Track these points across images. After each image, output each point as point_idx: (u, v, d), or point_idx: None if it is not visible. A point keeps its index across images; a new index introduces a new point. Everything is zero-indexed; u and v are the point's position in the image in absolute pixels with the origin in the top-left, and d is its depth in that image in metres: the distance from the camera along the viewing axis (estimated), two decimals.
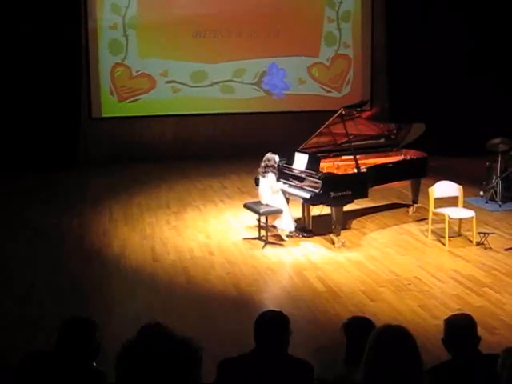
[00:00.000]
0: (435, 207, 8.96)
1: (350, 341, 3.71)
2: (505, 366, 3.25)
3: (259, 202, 9.00)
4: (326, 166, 9.37)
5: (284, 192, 9.01)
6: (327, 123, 9.34)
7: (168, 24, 14.54)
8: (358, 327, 3.72)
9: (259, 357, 3.56)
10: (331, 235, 8.91)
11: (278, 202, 8.87)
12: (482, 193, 11.04)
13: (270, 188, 8.86)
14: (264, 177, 8.90)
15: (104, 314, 6.48)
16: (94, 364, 3.75)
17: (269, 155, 8.96)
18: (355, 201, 9.08)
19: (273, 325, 3.62)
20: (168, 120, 14.86)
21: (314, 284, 7.51)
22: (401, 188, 10.92)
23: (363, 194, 9.00)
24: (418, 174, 10.07)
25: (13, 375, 3.59)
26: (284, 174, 9.19)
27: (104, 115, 14.56)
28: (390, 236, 9.26)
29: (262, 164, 8.93)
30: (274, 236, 9.05)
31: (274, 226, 9.00)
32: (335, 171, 9.33)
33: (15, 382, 3.56)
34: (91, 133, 14.37)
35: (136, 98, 14.71)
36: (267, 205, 8.88)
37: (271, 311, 3.85)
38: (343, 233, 9.01)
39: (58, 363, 3.57)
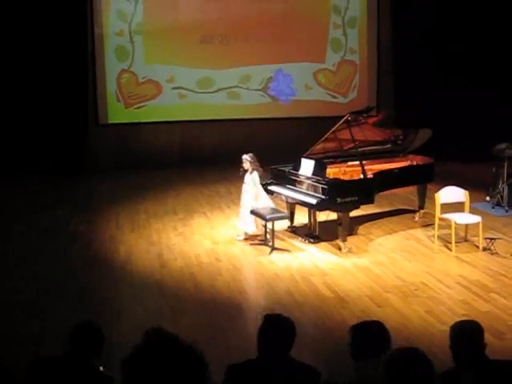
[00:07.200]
0: (441, 213, 8.94)
1: (355, 340, 3.69)
2: None
3: (267, 208, 9.03)
4: (332, 171, 9.37)
5: (287, 197, 9.12)
6: (333, 129, 9.34)
7: (174, 30, 14.59)
8: (367, 329, 3.71)
9: (267, 362, 3.56)
10: (338, 241, 8.91)
11: (262, 200, 9.14)
12: (488, 198, 11.01)
13: (254, 184, 9.10)
14: (251, 173, 9.12)
15: (111, 320, 6.50)
16: (102, 369, 3.76)
17: (246, 156, 9.20)
18: (361, 206, 9.08)
19: (279, 329, 3.62)
20: (174, 126, 14.88)
21: (321, 290, 7.51)
22: (407, 194, 10.91)
23: (369, 200, 8.99)
24: (424, 179, 10.07)
25: (19, 383, 3.58)
26: (290, 179, 9.21)
27: (110, 121, 14.61)
28: (397, 242, 9.25)
29: (247, 164, 9.13)
30: (282, 241, 9.06)
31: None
32: (341, 177, 9.34)
33: None
34: (98, 139, 14.41)
35: (142, 104, 14.75)
36: (276, 209, 8.96)
37: (277, 315, 3.83)
38: (350, 238, 9.01)
39: (66, 369, 3.57)
